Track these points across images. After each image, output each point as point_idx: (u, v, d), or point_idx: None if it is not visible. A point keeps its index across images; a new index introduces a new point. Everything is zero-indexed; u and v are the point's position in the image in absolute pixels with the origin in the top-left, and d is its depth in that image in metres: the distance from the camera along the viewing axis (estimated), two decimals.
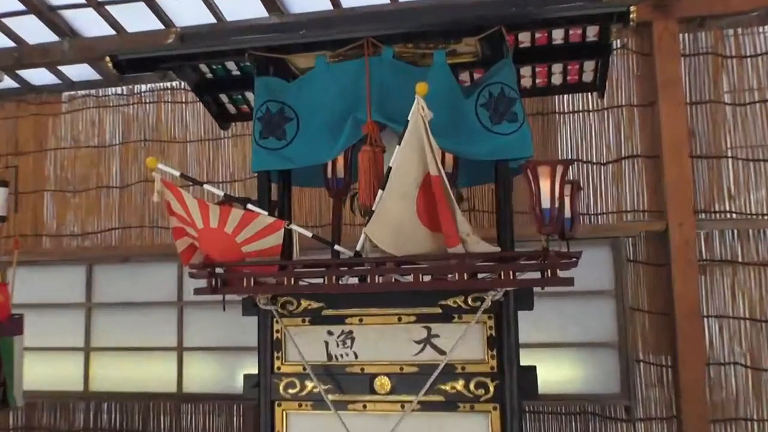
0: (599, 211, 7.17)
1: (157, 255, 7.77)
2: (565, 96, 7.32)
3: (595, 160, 7.24)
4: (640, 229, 6.93)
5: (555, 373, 6.75)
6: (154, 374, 7.70)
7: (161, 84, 8.46)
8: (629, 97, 7.21)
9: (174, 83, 8.37)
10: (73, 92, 8.77)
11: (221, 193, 4.10)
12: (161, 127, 8.39)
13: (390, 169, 3.55)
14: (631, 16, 3.73)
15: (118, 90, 8.62)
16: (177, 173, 4.13)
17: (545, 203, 3.53)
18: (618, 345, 6.77)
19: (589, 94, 6.98)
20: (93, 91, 8.70)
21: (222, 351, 7.49)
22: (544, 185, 3.52)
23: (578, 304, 6.80)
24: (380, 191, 3.59)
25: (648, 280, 7.01)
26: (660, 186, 6.98)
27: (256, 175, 4.18)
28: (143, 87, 8.51)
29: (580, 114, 7.31)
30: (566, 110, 7.34)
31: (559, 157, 7.26)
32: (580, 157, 7.24)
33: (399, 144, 3.51)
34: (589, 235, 6.77)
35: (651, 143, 7.10)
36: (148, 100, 8.48)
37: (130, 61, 4.22)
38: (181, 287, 7.62)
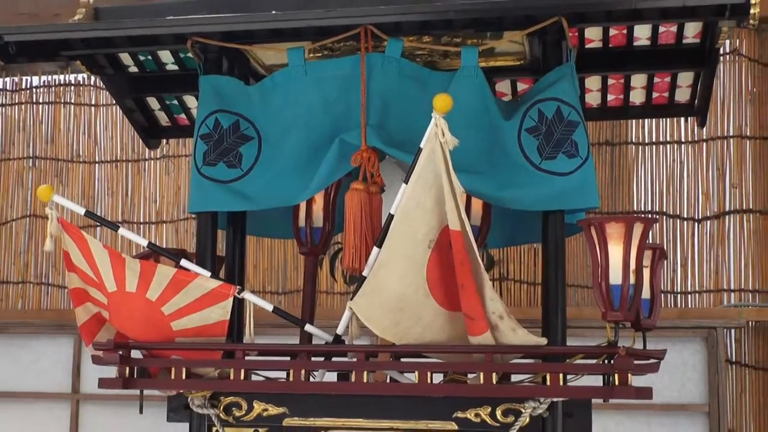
0: (689, 289, 7.18)
1: (45, 325, 7.72)
2: (645, 120, 7.32)
3: (685, 215, 7.25)
4: (747, 317, 6.92)
5: None
6: None
7: (61, 77, 8.47)
8: (740, 126, 7.24)
9: (80, 76, 8.38)
10: None
11: (144, 242, 4.07)
12: (59, 140, 8.40)
13: (391, 217, 3.55)
14: (751, 11, 3.68)
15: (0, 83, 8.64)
16: (81, 210, 4.12)
17: (615, 277, 3.48)
18: None
19: (681, 119, 7.00)
20: None
21: None
22: (615, 251, 3.47)
23: (654, 424, 6.77)
24: (375, 250, 3.59)
25: (756, 391, 6.99)
26: None
27: (194, 216, 4.16)
28: (35, 80, 8.52)
29: (667, 147, 7.34)
30: (646, 140, 7.37)
31: (634, 208, 7.27)
32: (664, 210, 7.25)
33: (405, 182, 3.51)
34: (674, 324, 6.74)
35: None
36: (41, 100, 8.49)
37: (22, 44, 4.20)
38: (77, 373, 7.56)
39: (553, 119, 3.79)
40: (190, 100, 4.84)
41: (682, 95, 4.67)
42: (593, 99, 4.73)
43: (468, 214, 3.79)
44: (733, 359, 6.99)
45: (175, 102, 4.90)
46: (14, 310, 8.13)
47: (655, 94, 4.68)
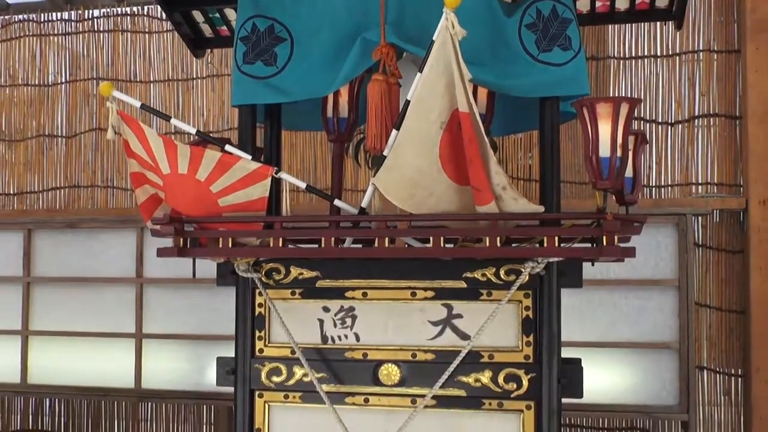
0: (662, 183, 7.10)
1: (112, 221, 7.68)
2: (626, 37, 7.26)
3: (660, 119, 7.16)
4: (712, 206, 6.85)
5: (600, 380, 6.66)
6: (106, 366, 7.58)
7: (119, 9, 8.38)
8: (708, 41, 7.12)
9: (135, 8, 8.30)
10: (7, 16, 8.67)
11: (193, 131, 4.02)
12: (118, 63, 8.33)
13: (407, 102, 3.49)
14: None
15: (65, 15, 8.54)
16: (137, 103, 4.08)
17: (604, 151, 3.44)
18: (678, 348, 6.66)
19: (657, 36, 6.94)
20: (33, 16, 8.60)
21: (190, 340, 7.38)
22: (604, 129, 3.43)
23: (632, 297, 6.70)
24: (394, 132, 3.54)
25: (719, 269, 6.97)
26: (740, 154, 6.92)
27: (236, 127, 4.11)
28: (96, 12, 8.44)
29: (644, 60, 7.22)
30: (626, 55, 7.25)
31: None
32: (642, 115, 7.16)
33: (420, 71, 3.44)
34: (649, 211, 6.67)
35: (732, 101, 7.04)
36: (102, 29, 8.41)
37: None
38: (141, 260, 7.52)
39: (549, 17, 3.75)
40: (230, 13, 4.75)
41: (662, 1, 4.55)
42: (583, 6, 4.57)
43: (475, 101, 3.72)
44: (700, 242, 6.94)
45: (217, 15, 4.80)
46: (85, 209, 8.16)
47: (638, 1, 4.57)
